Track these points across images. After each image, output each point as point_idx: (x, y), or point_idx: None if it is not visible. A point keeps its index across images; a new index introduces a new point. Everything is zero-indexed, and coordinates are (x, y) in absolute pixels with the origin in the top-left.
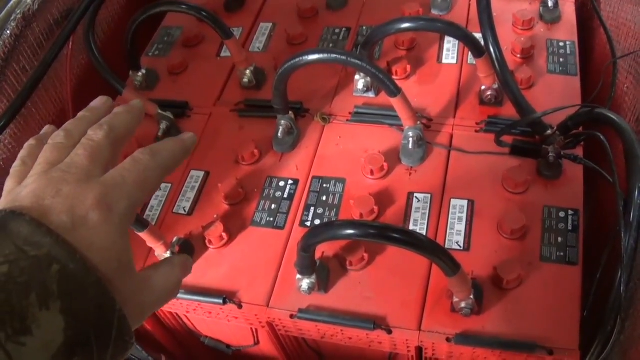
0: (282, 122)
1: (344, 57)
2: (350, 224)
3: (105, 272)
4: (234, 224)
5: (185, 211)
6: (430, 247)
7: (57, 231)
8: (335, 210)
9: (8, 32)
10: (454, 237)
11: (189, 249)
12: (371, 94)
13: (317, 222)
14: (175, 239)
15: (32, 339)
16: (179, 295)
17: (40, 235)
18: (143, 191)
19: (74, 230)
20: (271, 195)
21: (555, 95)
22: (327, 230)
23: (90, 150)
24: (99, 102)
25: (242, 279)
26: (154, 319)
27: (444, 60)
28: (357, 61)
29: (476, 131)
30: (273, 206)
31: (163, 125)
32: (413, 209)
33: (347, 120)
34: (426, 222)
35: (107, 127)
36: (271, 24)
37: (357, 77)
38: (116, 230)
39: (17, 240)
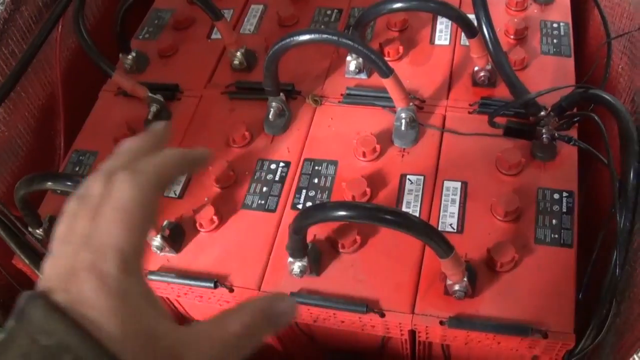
0: (273, 104)
1: (335, 38)
2: (342, 205)
3: (126, 352)
4: (225, 207)
5: (175, 194)
6: (423, 229)
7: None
8: (327, 192)
9: None
10: (447, 219)
11: (180, 232)
12: (363, 75)
13: (309, 204)
14: (165, 223)
15: None
16: (170, 279)
17: (54, 321)
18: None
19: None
20: (262, 178)
21: (549, 76)
22: (318, 211)
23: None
24: (158, 131)
25: (233, 263)
26: None
27: (437, 42)
28: (348, 41)
29: (469, 112)
30: (264, 189)
31: (153, 108)
32: (406, 191)
33: (339, 102)
34: (419, 204)
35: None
36: (262, 6)
37: (348, 58)
38: (121, 296)
39: (31, 328)
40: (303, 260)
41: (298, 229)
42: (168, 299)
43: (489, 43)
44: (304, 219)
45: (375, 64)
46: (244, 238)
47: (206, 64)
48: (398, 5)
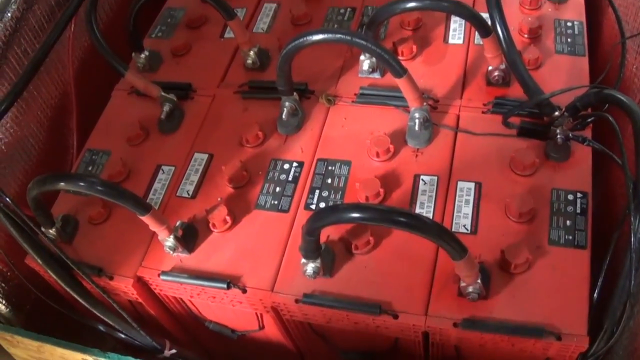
0: (287, 103)
1: (348, 37)
2: (356, 207)
3: None
4: (238, 208)
5: (188, 194)
6: (436, 231)
7: None
8: (340, 193)
9: (9, 14)
10: (461, 220)
11: (193, 233)
12: (377, 75)
13: (322, 205)
14: (178, 223)
15: None
16: (183, 280)
17: None
18: None
19: None
20: (276, 178)
21: (563, 76)
22: (332, 213)
23: None
24: None
25: (246, 263)
26: (158, 304)
27: (450, 41)
28: (361, 41)
29: (483, 112)
30: (277, 189)
31: (166, 108)
32: (419, 192)
33: (353, 101)
34: (433, 204)
35: None
36: (275, 5)
37: (362, 57)
38: None
39: None
40: (316, 262)
41: (311, 231)
42: (181, 299)
43: (503, 42)
44: (317, 220)
45: (389, 63)
46: (257, 238)
47: (219, 63)
48: (412, 4)
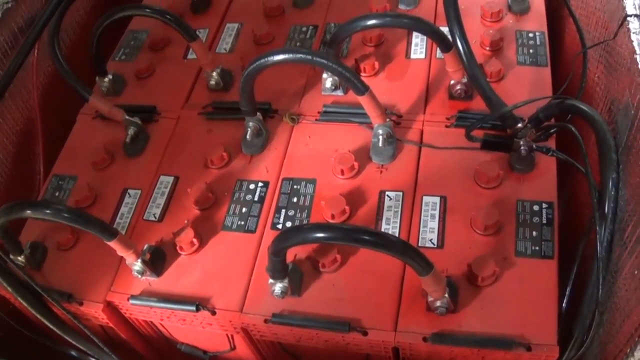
0: (250, 123)
1: (309, 57)
2: (319, 227)
3: None
4: (205, 229)
5: (155, 217)
6: (401, 248)
7: None
8: (306, 211)
9: None
10: (427, 234)
11: (160, 256)
12: (339, 92)
13: (289, 224)
14: (146, 247)
15: None
16: (152, 304)
17: None
18: None
19: None
20: (242, 199)
21: (526, 86)
22: (296, 234)
23: None
24: None
25: (214, 285)
26: (129, 327)
27: (413, 55)
28: (323, 60)
29: (446, 126)
30: (244, 210)
31: (131, 131)
32: (385, 208)
33: (316, 119)
34: (398, 220)
35: None
36: (238, 24)
37: (324, 75)
38: None
39: None
40: (284, 282)
41: (277, 252)
42: (152, 322)
43: (464, 57)
44: (282, 241)
45: (350, 82)
46: (224, 260)
47: (183, 85)
48: (372, 22)
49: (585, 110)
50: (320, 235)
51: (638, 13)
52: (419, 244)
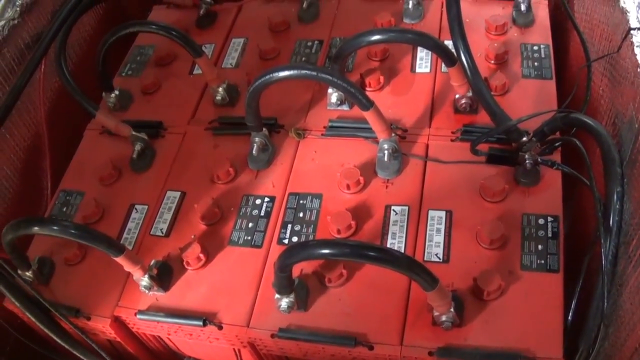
0: (256, 139)
1: (314, 73)
2: (325, 243)
3: None
4: (211, 244)
5: (162, 233)
6: (406, 264)
7: None
8: (312, 226)
9: None
10: (433, 249)
11: (168, 271)
12: (345, 107)
13: (295, 239)
14: (153, 262)
15: None
16: (159, 319)
17: None
18: None
19: None
20: (248, 214)
21: (530, 100)
22: (302, 250)
23: None
24: None
25: (221, 300)
26: (136, 342)
27: (418, 70)
28: (327, 76)
29: (452, 140)
30: (250, 225)
31: (137, 147)
32: (391, 222)
33: (322, 134)
34: (404, 235)
35: None
36: (243, 39)
37: (330, 90)
38: None
39: None
40: (290, 297)
41: (283, 267)
42: (159, 336)
43: (468, 71)
44: (288, 257)
45: (355, 97)
46: (231, 275)
47: (189, 100)
48: (376, 37)
49: (589, 124)
50: (326, 251)
51: None
52: (425, 259)
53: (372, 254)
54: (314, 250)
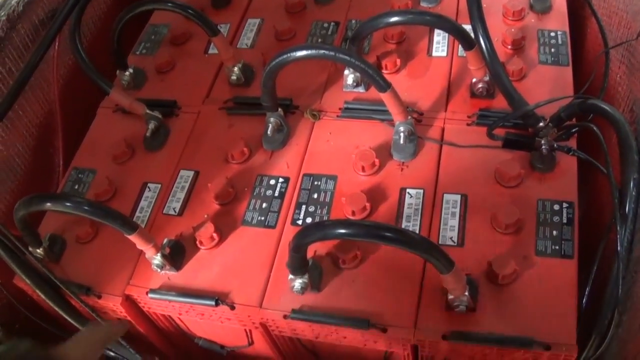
0: (272, 119)
1: (332, 53)
2: (341, 223)
3: None
4: (224, 224)
5: (175, 212)
6: (423, 245)
7: None
8: (326, 208)
9: None
10: (448, 232)
11: (180, 250)
12: (361, 89)
13: (309, 220)
14: (165, 241)
15: None
16: (171, 298)
17: None
18: None
19: None
20: (262, 194)
21: (547, 86)
22: (317, 230)
23: None
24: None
25: (234, 280)
26: (147, 321)
27: (434, 53)
28: (345, 56)
29: (468, 124)
30: (264, 205)
31: (151, 125)
32: (406, 205)
33: (337, 116)
34: (419, 218)
35: None
36: (259, 20)
37: (346, 72)
38: None
39: None
40: (304, 277)
41: (297, 247)
42: (170, 316)
43: (486, 55)
44: (303, 237)
45: (372, 78)
46: (244, 255)
47: (204, 79)
48: (394, 19)
49: (607, 110)
50: (342, 231)
51: None
52: (440, 242)
53: (389, 234)
54: (330, 230)
